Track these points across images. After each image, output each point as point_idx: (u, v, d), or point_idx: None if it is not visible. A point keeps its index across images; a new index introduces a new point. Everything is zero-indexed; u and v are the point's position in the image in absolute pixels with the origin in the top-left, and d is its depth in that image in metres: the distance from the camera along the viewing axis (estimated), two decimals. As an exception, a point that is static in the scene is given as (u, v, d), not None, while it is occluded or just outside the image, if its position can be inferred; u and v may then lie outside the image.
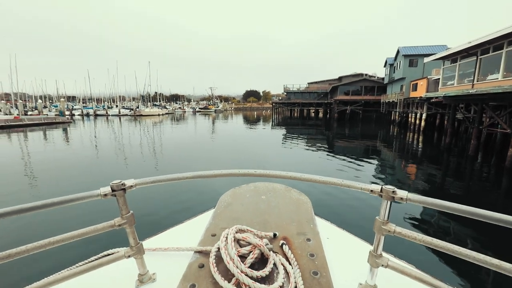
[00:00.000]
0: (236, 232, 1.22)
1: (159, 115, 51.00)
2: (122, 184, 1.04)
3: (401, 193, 0.92)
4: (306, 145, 15.02)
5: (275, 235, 1.37)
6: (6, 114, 30.79)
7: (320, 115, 53.17)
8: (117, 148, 13.56)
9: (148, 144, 15.01)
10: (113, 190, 1.02)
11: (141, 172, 8.85)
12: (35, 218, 4.90)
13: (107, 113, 49.47)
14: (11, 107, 40.24)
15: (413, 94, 22.97)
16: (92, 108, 52.94)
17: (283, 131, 23.64)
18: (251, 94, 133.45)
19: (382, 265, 1.01)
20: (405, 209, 5.52)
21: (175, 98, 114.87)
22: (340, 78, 49.89)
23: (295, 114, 55.46)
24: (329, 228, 1.65)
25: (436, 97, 15.89)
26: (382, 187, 0.96)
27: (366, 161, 10.71)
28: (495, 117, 10.58)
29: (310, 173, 1.17)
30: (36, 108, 42.56)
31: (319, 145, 15.19)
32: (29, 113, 37.81)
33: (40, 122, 27.67)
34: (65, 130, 23.08)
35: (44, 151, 12.68)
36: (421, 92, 20.56)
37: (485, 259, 0.77)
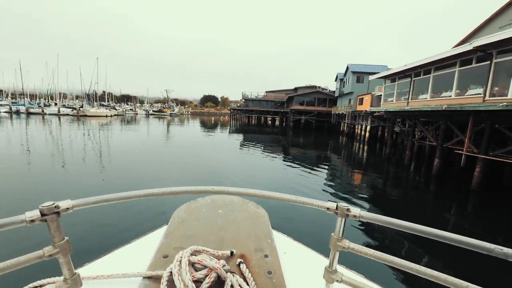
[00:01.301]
0: (191, 255, 1.13)
1: (106, 116, 46.72)
2: (55, 206, 0.86)
3: (355, 211, 0.96)
4: (263, 152, 15.27)
5: (232, 253, 1.32)
6: None
7: (277, 123, 55.06)
8: (52, 155, 11.98)
9: (93, 149, 13.58)
10: (42, 215, 0.83)
11: (78, 185, 7.91)
12: None
13: (43, 111, 43.52)
14: None
15: (359, 108, 25.29)
16: (23, 105, 45.69)
17: (240, 137, 23.72)
18: (209, 99, 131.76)
19: (337, 280, 1.03)
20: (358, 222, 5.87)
21: (126, 98, 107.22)
22: (296, 89, 52.47)
23: (253, 121, 56.38)
24: (286, 242, 1.65)
25: (378, 112, 17.76)
26: (337, 205, 0.98)
27: (318, 168, 11.31)
28: (424, 131, 12.22)
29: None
30: None
31: (276, 152, 15.57)
32: None
33: (-48, 118, 23.07)
34: (-15, 129, 19.59)
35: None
36: (366, 106, 22.76)
37: (425, 271, 0.84)
